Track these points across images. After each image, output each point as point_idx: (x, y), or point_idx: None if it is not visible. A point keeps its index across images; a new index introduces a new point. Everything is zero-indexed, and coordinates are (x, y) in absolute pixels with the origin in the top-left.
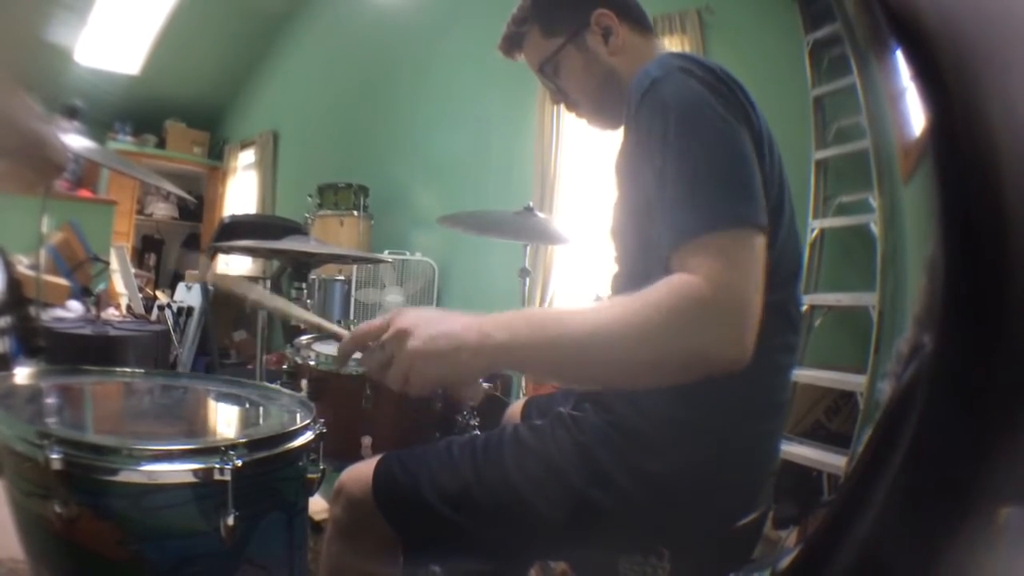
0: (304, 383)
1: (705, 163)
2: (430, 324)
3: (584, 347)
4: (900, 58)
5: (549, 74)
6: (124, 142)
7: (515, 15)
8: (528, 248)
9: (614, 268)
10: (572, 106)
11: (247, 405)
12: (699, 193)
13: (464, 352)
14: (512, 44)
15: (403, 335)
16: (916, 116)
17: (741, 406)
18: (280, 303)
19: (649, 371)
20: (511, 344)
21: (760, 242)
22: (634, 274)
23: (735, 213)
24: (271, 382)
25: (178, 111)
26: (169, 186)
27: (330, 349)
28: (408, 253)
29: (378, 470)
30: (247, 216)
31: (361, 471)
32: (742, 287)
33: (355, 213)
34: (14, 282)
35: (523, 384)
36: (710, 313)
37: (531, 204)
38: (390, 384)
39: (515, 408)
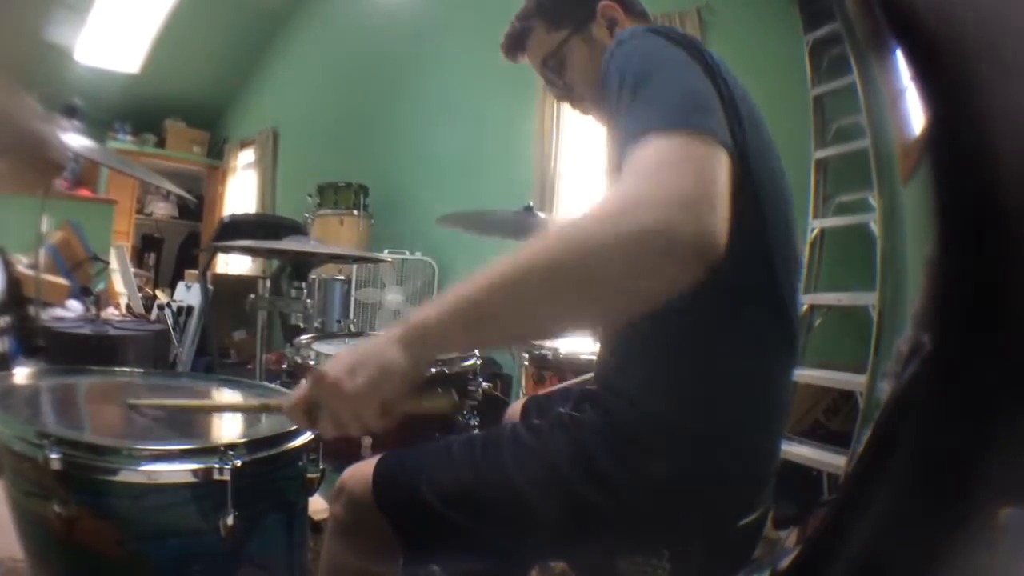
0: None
1: (659, 85)
2: (347, 355)
3: (520, 283)
4: (900, 58)
5: (554, 67)
6: (124, 141)
7: (519, 12)
8: None
9: None
10: (577, 101)
11: None
12: (650, 106)
13: (386, 349)
14: (515, 42)
15: (320, 379)
16: (916, 116)
17: (741, 406)
18: None
19: (601, 289)
20: (430, 318)
21: (719, 155)
22: None
23: (687, 119)
24: (271, 382)
25: (178, 110)
26: (169, 185)
27: (331, 349)
28: (408, 253)
29: (378, 469)
30: (247, 215)
31: (362, 470)
32: (694, 169)
33: (355, 212)
34: (14, 281)
35: (523, 384)
36: (657, 194)
37: (531, 204)
38: (355, 434)
39: (515, 408)
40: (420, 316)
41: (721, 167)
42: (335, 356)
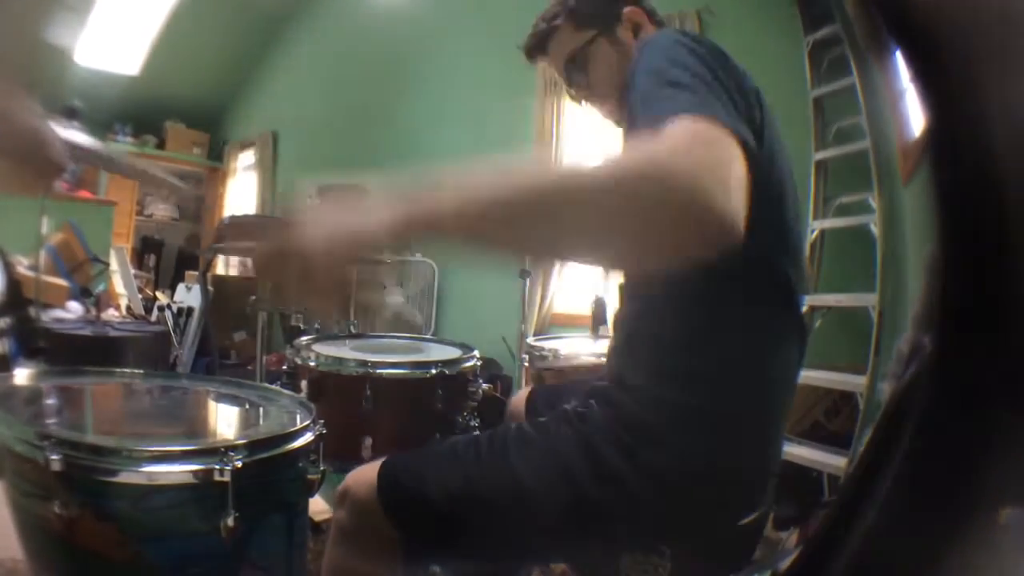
0: (304, 384)
1: (682, 73)
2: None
3: (542, 201)
4: (899, 59)
5: (580, 65)
6: (124, 143)
7: (545, 13)
8: None
9: None
10: (598, 100)
11: (247, 406)
12: (675, 97)
13: (373, 212)
14: (540, 42)
15: (295, 226)
16: (916, 117)
17: (750, 402)
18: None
19: (618, 222)
20: (437, 198)
21: (739, 150)
22: None
23: (712, 110)
24: (271, 383)
25: (178, 112)
26: (168, 176)
27: (330, 350)
28: (408, 253)
29: (383, 471)
30: (247, 217)
31: (366, 474)
32: (720, 150)
33: None
34: (14, 283)
35: (523, 385)
36: (674, 164)
37: None
38: (295, 293)
39: (520, 396)
40: (423, 195)
41: (741, 161)
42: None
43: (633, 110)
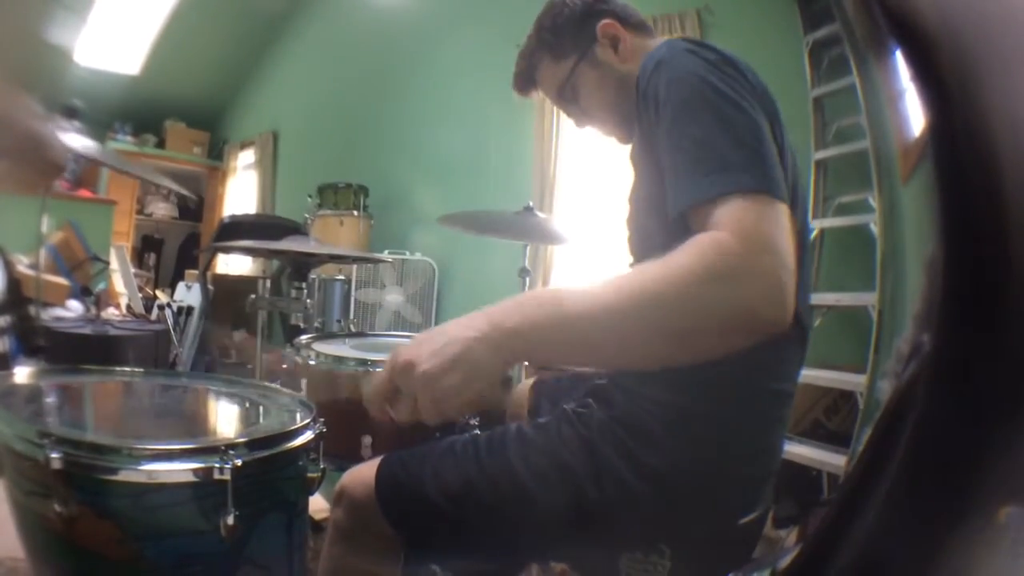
0: (304, 383)
1: (726, 129)
2: (429, 342)
3: (613, 319)
4: (899, 59)
5: (569, 97)
6: (124, 142)
7: (522, 50)
8: (528, 248)
9: (628, 258)
10: (597, 124)
11: (247, 404)
12: (723, 155)
13: (476, 349)
14: (526, 79)
15: (408, 368)
16: (915, 117)
17: (745, 399)
18: None
19: (687, 340)
20: (524, 328)
21: (786, 211)
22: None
23: (763, 180)
24: (271, 382)
25: (178, 111)
26: (169, 183)
27: (330, 349)
28: (408, 253)
29: (380, 471)
30: (247, 216)
31: (363, 473)
32: (776, 241)
33: (355, 213)
34: (14, 281)
35: (522, 377)
36: (745, 267)
37: (531, 204)
38: (425, 419)
39: (521, 388)
40: (511, 321)
41: (789, 227)
42: (417, 345)
43: (647, 144)
